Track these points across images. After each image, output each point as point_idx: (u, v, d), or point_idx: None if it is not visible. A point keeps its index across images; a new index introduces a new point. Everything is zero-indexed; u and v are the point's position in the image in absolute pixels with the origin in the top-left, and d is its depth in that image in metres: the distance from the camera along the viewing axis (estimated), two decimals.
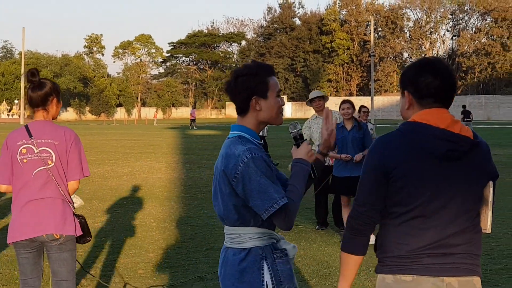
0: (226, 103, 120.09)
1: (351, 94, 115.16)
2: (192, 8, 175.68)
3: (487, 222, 3.30)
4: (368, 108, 14.10)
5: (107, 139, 45.95)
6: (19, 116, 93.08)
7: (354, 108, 10.99)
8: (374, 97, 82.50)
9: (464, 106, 47.88)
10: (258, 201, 3.44)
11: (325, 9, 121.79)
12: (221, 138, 47.06)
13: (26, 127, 5.57)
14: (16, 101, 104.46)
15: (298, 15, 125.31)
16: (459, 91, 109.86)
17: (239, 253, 3.62)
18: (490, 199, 3.31)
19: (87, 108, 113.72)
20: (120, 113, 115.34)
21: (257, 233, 3.64)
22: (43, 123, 5.54)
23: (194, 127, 64.24)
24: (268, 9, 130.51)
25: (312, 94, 11.99)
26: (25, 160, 5.45)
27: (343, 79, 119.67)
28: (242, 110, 3.70)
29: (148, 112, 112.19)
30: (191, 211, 14.01)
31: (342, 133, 10.81)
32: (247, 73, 3.63)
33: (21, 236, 5.44)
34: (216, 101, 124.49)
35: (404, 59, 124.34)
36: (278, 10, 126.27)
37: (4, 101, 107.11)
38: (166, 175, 21.27)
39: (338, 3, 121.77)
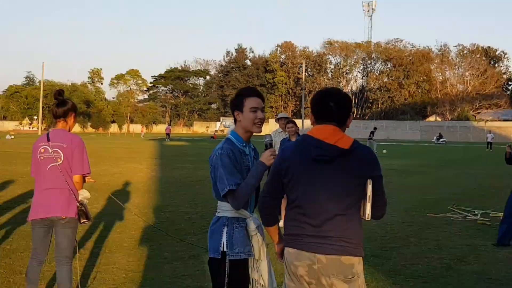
0: (194, 122, 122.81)
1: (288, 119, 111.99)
2: (169, 49, 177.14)
3: (366, 211, 3.35)
4: (293, 124, 12.82)
5: (103, 146, 45.75)
6: (37, 128, 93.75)
7: (297, 126, 11.08)
8: (304, 120, 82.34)
9: (375, 128, 48.06)
10: (218, 184, 3.69)
11: (269, 54, 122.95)
12: (189, 148, 48.54)
13: (48, 133, 5.65)
14: (35, 117, 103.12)
15: (249, 57, 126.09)
16: (366, 117, 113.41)
17: (215, 219, 3.83)
18: (369, 193, 3.34)
19: (89, 123, 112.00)
20: (113, 128, 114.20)
21: (228, 208, 3.76)
22: (59, 131, 5.63)
23: (168, 140, 64.35)
24: (227, 52, 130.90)
25: (280, 115, 12.04)
26: (42, 158, 5.49)
27: (281, 106, 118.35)
28: (235, 121, 3.90)
29: (135, 128, 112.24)
30: (165, 200, 14.26)
31: (285, 142, 10.95)
32: (235, 95, 3.91)
33: (37, 215, 5.47)
34: (186, 121, 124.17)
35: None
36: (234, 53, 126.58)
37: (26, 117, 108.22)
38: (147, 174, 21.41)
39: (279, 50, 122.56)
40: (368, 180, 3.37)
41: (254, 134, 3.95)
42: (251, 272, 3.77)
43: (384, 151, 43.06)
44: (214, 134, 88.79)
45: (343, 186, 3.38)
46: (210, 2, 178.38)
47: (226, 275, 3.76)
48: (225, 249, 3.77)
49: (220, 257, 3.80)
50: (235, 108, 3.88)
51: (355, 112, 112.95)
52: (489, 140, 59.43)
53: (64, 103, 5.74)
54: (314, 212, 3.39)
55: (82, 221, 5.70)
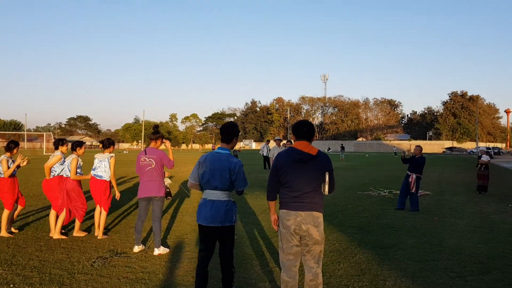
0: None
1: (268, 140, 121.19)
2: (214, 100, 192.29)
3: (325, 189, 3.66)
4: (291, 143, 9.95)
5: (179, 156, 50.70)
6: (141, 147, 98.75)
7: (280, 142, 12.88)
8: (291, 141, 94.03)
9: (342, 145, 49.88)
10: (242, 182, 4.00)
11: (269, 104, 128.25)
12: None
13: (145, 149, 5.99)
14: (140, 141, 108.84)
15: (258, 106, 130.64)
16: (324, 139, 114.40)
17: (224, 203, 4.01)
18: (327, 179, 3.65)
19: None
20: (183, 146, 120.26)
21: (228, 194, 4.05)
22: (152, 148, 6.01)
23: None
24: (246, 103, 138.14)
25: (276, 138, 13.35)
26: (143, 164, 5.93)
27: (276, 133, 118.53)
28: (229, 141, 4.16)
29: (195, 146, 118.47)
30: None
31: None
32: (235, 127, 4.22)
33: (142, 195, 5.96)
34: (219, 143, 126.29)
35: None
36: (250, 104, 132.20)
37: (135, 141, 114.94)
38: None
39: (275, 102, 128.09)
40: (326, 172, 3.66)
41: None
42: None
43: (343, 157, 45.39)
44: (239, 148, 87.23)
45: (312, 176, 3.65)
46: (239, 76, 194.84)
47: (234, 235, 4.10)
48: (234, 219, 4.07)
49: (232, 225, 4.05)
50: (235, 135, 4.20)
51: (317, 135, 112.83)
52: (394, 150, 68.43)
53: (157, 132, 6.07)
54: (296, 189, 3.66)
55: (168, 197, 6.11)
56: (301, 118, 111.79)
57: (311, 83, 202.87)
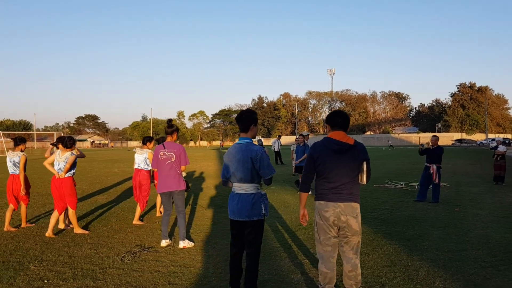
0: (236, 138, 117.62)
1: (287, 134, 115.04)
2: (221, 97, 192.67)
3: (363, 179, 3.63)
4: (303, 137, 11.92)
5: (188, 153, 43.20)
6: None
7: (304, 138, 11.69)
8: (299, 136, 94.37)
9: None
10: (267, 169, 3.80)
11: (276, 99, 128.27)
12: None
13: (163, 144, 5.98)
14: None
15: (265, 102, 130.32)
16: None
17: (250, 195, 3.83)
18: (365, 169, 3.62)
19: (177, 141, 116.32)
20: (191, 143, 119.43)
21: (256, 186, 3.85)
22: (170, 142, 6.01)
23: (222, 149, 65.54)
24: (252, 99, 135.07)
25: (302, 132, 12.67)
26: (162, 158, 5.91)
27: (283, 128, 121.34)
28: (246, 130, 3.96)
29: (203, 143, 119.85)
30: None
31: (298, 148, 11.69)
32: (249, 114, 4.00)
33: (162, 190, 5.97)
34: (231, 138, 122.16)
35: (309, 120, 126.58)
36: (257, 100, 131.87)
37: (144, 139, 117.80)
38: (214, 167, 22.46)
39: (281, 97, 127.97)
40: (364, 162, 3.65)
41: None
42: None
43: None
44: (221, 144, 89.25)
45: (351, 166, 3.63)
46: (246, 72, 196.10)
47: (262, 230, 3.92)
48: (263, 212, 3.89)
49: (260, 219, 3.87)
50: (252, 122, 4.00)
51: (324, 131, 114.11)
52: (390, 143, 69.01)
53: (171, 126, 6.10)
54: (335, 180, 3.63)
55: (187, 190, 6.15)
56: (308, 113, 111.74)
57: (318, 77, 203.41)
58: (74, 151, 7.15)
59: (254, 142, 4.04)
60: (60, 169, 6.78)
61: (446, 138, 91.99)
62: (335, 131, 3.73)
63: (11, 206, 7.36)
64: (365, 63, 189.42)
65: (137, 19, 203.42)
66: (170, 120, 6.19)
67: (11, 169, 7.37)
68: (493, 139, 63.07)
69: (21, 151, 7.40)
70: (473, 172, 18.58)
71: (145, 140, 8.19)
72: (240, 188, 3.87)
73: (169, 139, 6.14)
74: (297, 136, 11.68)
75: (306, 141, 11.83)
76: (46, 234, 6.84)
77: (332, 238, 3.71)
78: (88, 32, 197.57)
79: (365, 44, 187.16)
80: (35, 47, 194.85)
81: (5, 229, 7.30)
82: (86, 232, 7.00)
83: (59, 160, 6.77)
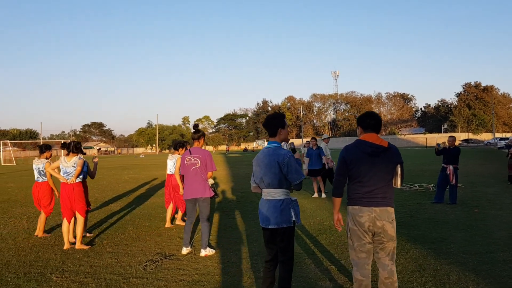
0: (241, 143, 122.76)
1: (292, 138, 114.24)
2: (226, 101, 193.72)
3: (397, 182, 3.58)
4: (315, 140, 11.76)
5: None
6: (155, 151, 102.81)
7: (316, 141, 11.46)
8: (304, 139, 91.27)
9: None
10: (295, 175, 3.62)
11: (281, 103, 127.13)
12: (242, 157, 46.52)
13: (189, 149, 5.94)
14: (153, 145, 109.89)
15: (269, 105, 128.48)
16: (337, 136, 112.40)
17: (279, 202, 3.66)
18: (399, 172, 3.57)
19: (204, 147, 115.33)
20: None
21: (285, 192, 3.70)
22: (196, 148, 5.97)
23: (228, 153, 66.53)
24: (257, 103, 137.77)
25: (324, 136, 12.14)
26: (187, 164, 5.88)
27: (289, 131, 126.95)
28: (274, 134, 3.82)
29: (208, 148, 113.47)
30: (237, 184, 17.39)
31: (311, 151, 11.50)
32: (275, 117, 3.83)
33: (187, 197, 5.92)
34: (236, 142, 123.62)
35: (315, 123, 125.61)
36: (261, 103, 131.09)
37: (149, 145, 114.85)
38: (224, 172, 22.46)
39: (286, 100, 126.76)
40: (398, 165, 3.58)
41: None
42: None
43: None
44: (253, 148, 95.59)
45: (385, 169, 3.55)
46: (250, 76, 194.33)
47: (293, 237, 3.75)
48: (293, 219, 3.70)
49: (289, 226, 3.70)
50: (279, 125, 3.82)
51: (329, 133, 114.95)
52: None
53: (198, 131, 6.03)
54: (369, 184, 3.54)
55: (215, 197, 6.02)
56: (313, 116, 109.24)
57: (322, 80, 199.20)
58: (96, 159, 7.10)
59: (284, 147, 3.91)
60: (68, 174, 6.58)
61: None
62: (368, 133, 3.65)
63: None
64: (369, 65, 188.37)
65: (140, 24, 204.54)
66: (196, 126, 6.10)
67: (36, 176, 7.40)
68: (502, 139, 62.42)
69: (46, 158, 7.39)
70: (486, 172, 18.43)
71: (177, 146, 8.33)
72: (269, 194, 3.73)
73: (195, 144, 6.10)
74: (309, 139, 11.73)
75: (326, 144, 11.85)
76: (76, 247, 6.62)
77: (367, 244, 3.60)
78: (93, 39, 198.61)
79: (368, 46, 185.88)
80: (40, 56, 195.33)
81: (39, 234, 7.59)
82: (86, 247, 6.63)
83: (66, 166, 6.59)
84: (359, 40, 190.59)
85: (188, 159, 5.93)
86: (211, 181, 6.05)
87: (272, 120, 3.79)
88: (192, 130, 6.10)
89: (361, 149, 3.61)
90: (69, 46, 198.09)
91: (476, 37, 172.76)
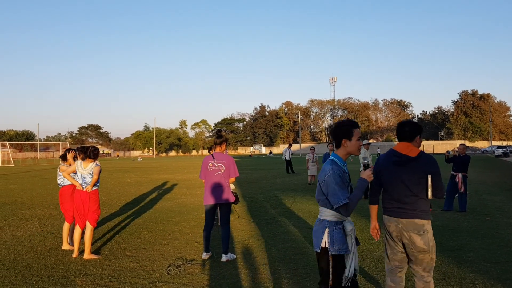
0: (238, 147, 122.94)
1: (290, 143, 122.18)
2: (223, 106, 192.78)
3: (429, 194, 3.44)
4: (333, 145, 7.67)
5: (193, 162, 35.17)
6: (152, 154, 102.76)
7: (333, 146, 7.60)
8: (301, 144, 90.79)
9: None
10: (331, 198, 3.14)
11: (278, 108, 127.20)
12: (239, 162, 46.56)
13: (212, 154, 5.86)
14: (150, 148, 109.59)
15: (267, 110, 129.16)
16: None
17: (319, 221, 3.30)
18: (429, 183, 3.42)
19: (180, 150, 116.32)
20: (194, 152, 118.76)
21: (329, 213, 3.22)
22: (219, 153, 5.91)
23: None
24: (255, 108, 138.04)
25: (364, 141, 11.74)
26: (211, 169, 5.81)
27: (286, 137, 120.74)
28: (337, 145, 3.32)
29: (205, 152, 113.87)
30: (244, 189, 18.58)
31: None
32: (340, 126, 3.31)
33: (208, 202, 5.89)
34: (233, 147, 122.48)
35: (312, 128, 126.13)
36: (259, 108, 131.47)
37: (146, 148, 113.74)
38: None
39: (283, 105, 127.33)
40: (428, 175, 3.45)
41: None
42: (346, 263, 3.13)
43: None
44: (251, 154, 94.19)
45: (411, 179, 3.48)
46: (248, 81, 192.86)
47: (330, 266, 3.17)
48: (326, 246, 3.19)
49: (319, 251, 3.24)
50: (344, 136, 3.26)
51: (328, 138, 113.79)
52: (378, 151, 66.89)
53: (221, 137, 5.94)
54: (395, 194, 3.54)
55: (236, 202, 6.05)
56: (310, 122, 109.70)
57: (320, 86, 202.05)
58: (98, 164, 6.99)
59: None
60: (85, 182, 6.31)
61: (449, 146, 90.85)
62: (400, 143, 3.67)
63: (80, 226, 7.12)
64: (367, 71, 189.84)
65: (138, 27, 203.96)
66: (219, 131, 6.08)
67: (80, 183, 6.71)
68: (499, 147, 62.79)
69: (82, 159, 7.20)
70: (489, 180, 18.53)
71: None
72: (320, 212, 3.35)
73: (218, 149, 6.03)
74: (326, 145, 11.85)
75: (367, 150, 11.56)
76: (85, 257, 6.27)
77: (399, 253, 3.61)
78: (91, 41, 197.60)
79: (366, 52, 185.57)
80: (36, 57, 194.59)
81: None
82: (96, 257, 6.24)
83: (83, 172, 6.31)
84: (357, 46, 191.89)
85: (211, 164, 5.87)
86: (232, 187, 6.15)
87: (335, 129, 3.34)
88: (217, 134, 6.07)
89: (388, 159, 3.66)
90: (66, 48, 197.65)
91: (473, 46, 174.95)
